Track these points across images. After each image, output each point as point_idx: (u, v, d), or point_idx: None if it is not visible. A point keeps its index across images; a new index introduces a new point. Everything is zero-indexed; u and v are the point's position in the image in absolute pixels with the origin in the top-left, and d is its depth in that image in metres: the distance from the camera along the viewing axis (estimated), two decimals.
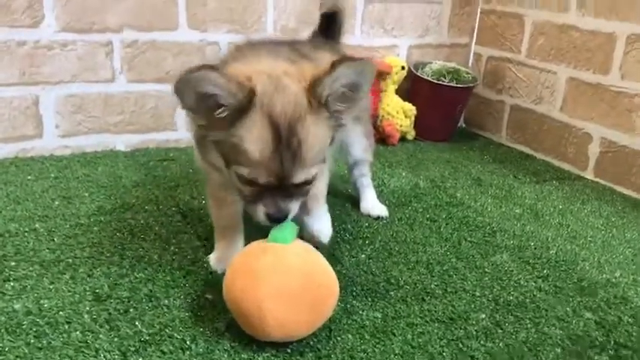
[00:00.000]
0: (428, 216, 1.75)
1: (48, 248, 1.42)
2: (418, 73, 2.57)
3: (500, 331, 1.23)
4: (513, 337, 1.21)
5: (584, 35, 2.27)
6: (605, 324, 1.28)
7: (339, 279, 1.16)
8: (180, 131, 2.26)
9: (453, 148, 2.50)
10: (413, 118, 2.57)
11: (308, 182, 1.11)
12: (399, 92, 2.59)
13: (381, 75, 2.51)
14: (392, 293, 1.33)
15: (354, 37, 2.49)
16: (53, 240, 1.46)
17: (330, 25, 1.59)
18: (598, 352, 1.18)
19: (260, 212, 1.11)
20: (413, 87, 2.62)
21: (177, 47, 2.18)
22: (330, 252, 1.46)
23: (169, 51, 2.17)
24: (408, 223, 1.70)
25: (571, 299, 1.37)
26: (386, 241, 1.57)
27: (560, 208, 1.93)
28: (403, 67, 2.54)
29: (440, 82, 2.53)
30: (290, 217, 1.13)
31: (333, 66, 1.03)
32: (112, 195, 1.75)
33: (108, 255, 1.40)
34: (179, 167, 2.02)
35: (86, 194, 1.74)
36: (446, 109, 2.59)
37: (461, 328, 1.22)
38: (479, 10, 2.72)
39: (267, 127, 1.03)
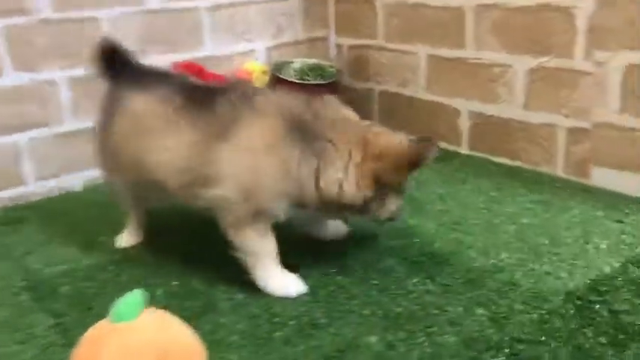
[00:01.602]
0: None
1: None
2: (281, 76, 2.46)
3: (393, 353, 1.14)
4: (407, 358, 1.13)
5: (436, 12, 2.24)
6: (497, 318, 1.23)
7: (215, 332, 1.04)
8: (30, 184, 2.02)
9: None
10: None
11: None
12: None
13: None
14: (276, 335, 1.22)
15: (204, 47, 2.34)
16: None
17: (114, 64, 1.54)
18: (494, 355, 1.12)
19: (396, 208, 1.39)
20: (279, 90, 2.50)
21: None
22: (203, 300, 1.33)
23: None
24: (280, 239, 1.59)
25: (461, 296, 1.32)
26: None
27: (440, 192, 1.89)
28: (264, 72, 2.42)
29: (305, 82, 2.43)
30: None
31: None
32: None
33: None
34: (34, 228, 1.80)
35: None
36: None
37: None
38: (332, 1, 2.65)
39: None
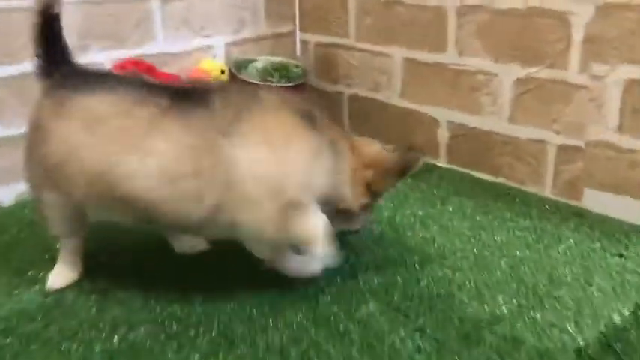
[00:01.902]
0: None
1: None
2: (241, 76, 2.22)
3: None
4: None
5: (412, 11, 2.04)
6: None
7: None
8: None
9: None
10: None
11: None
12: None
13: None
14: None
15: (156, 43, 2.08)
16: None
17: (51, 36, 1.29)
18: None
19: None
20: None
21: None
22: None
23: None
24: (252, 285, 1.36)
25: (457, 357, 1.13)
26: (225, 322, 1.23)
27: (420, 215, 1.70)
28: (223, 71, 2.18)
29: (268, 84, 2.20)
30: None
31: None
32: None
33: None
34: None
35: None
36: None
37: None
38: None
39: None
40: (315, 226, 1.25)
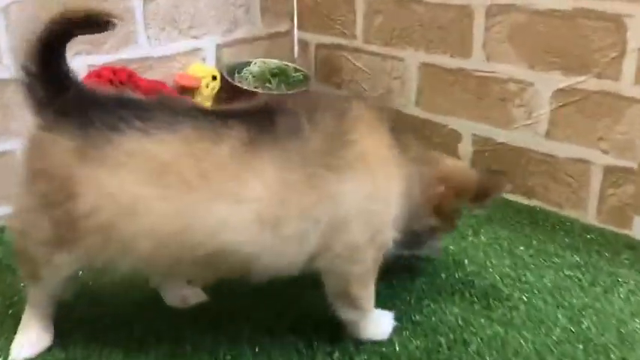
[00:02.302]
0: None
1: None
2: (236, 82, 1.95)
3: None
4: None
5: (432, 10, 1.80)
6: None
7: None
8: None
9: None
10: None
11: None
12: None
13: (186, 92, 1.87)
14: None
15: (139, 47, 1.80)
16: None
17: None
18: None
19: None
20: (233, 100, 2.00)
21: None
22: None
23: None
24: None
25: None
26: None
27: (452, 250, 1.47)
28: (215, 77, 1.91)
29: (266, 92, 1.94)
30: None
31: None
32: None
33: None
34: None
35: None
36: None
37: None
38: None
39: None
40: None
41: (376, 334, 1.13)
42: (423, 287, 1.31)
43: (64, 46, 1.01)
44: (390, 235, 1.06)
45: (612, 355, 1.11)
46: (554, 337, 1.15)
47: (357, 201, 1.00)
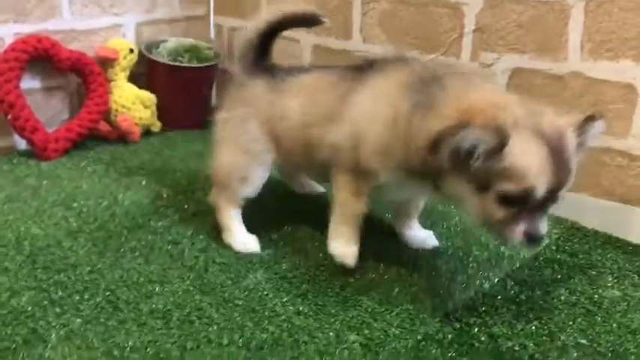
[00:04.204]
0: (170, 238, 1.45)
1: None
2: (152, 56, 2.22)
3: None
4: None
5: None
6: (371, 345, 1.11)
7: None
8: None
9: (206, 136, 2.20)
10: (154, 108, 2.22)
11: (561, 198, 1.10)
12: (133, 80, 2.21)
13: (106, 62, 2.11)
14: None
15: (63, 20, 2.05)
16: None
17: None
18: None
19: (519, 233, 1.08)
20: (149, 72, 2.26)
21: None
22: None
23: None
24: (143, 253, 1.38)
25: (333, 318, 1.19)
26: (111, 289, 1.25)
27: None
28: (132, 50, 2.17)
29: (178, 64, 2.21)
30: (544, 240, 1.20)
31: (592, 120, 1.11)
32: None
33: None
34: None
35: None
36: (190, 93, 2.27)
37: None
38: None
39: (539, 142, 1.04)
40: (347, 208, 1.35)
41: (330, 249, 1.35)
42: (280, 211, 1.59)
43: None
44: (371, 161, 1.25)
45: None
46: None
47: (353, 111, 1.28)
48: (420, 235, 1.50)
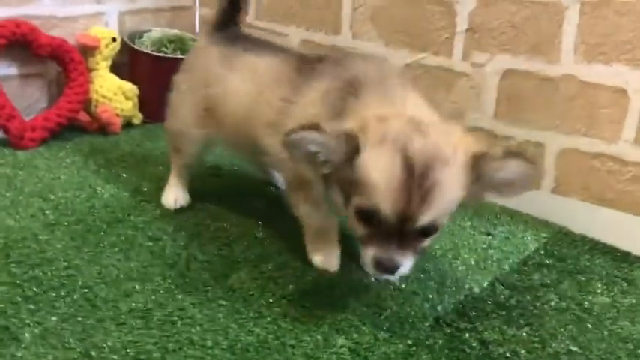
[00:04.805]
0: (150, 234, 1.40)
1: None
2: (135, 46, 2.15)
3: None
4: None
5: None
6: (359, 350, 1.08)
7: None
8: None
9: None
10: (136, 99, 2.16)
11: (429, 232, 1.01)
12: (115, 70, 2.15)
13: (87, 50, 2.05)
14: None
15: (44, 6, 1.98)
16: None
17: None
18: None
19: (368, 256, 1.02)
20: (131, 62, 2.20)
21: None
22: None
23: None
24: (122, 249, 1.33)
25: (321, 321, 1.15)
26: (89, 286, 1.19)
27: None
28: (114, 39, 2.10)
29: (161, 55, 2.15)
30: (400, 273, 1.02)
31: (507, 156, 0.99)
32: None
33: None
34: None
35: None
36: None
37: None
38: None
39: (398, 161, 0.96)
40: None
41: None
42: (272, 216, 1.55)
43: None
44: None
45: None
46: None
47: None
48: None
